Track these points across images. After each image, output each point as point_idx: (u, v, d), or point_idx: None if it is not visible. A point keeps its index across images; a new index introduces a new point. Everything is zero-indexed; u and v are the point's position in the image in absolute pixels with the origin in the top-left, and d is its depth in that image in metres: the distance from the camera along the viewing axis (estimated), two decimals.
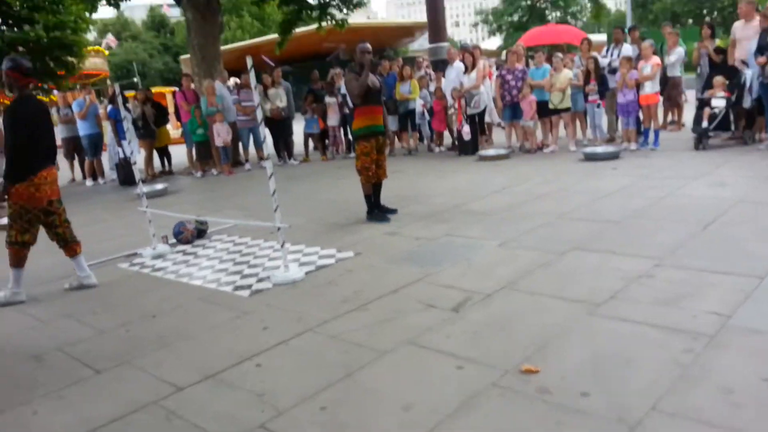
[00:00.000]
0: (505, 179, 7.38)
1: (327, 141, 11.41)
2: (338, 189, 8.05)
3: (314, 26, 14.30)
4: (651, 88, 8.34)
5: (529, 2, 42.92)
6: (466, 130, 9.59)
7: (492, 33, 44.92)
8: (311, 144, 11.53)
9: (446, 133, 10.84)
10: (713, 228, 4.55)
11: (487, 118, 10.28)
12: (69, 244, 4.69)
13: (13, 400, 2.95)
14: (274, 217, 4.44)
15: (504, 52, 12.40)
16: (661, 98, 9.15)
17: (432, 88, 10.48)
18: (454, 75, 10.00)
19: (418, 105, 10.40)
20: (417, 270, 4.27)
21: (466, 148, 9.67)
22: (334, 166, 10.34)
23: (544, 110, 9.13)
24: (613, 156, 8.03)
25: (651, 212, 5.20)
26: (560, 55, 9.22)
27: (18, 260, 4.47)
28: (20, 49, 19.26)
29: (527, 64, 10.24)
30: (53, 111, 11.69)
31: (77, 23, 20.55)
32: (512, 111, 9.49)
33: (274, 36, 22.22)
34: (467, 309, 3.48)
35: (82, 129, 11.09)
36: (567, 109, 9.02)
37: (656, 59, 8.37)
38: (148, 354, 3.33)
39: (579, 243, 4.49)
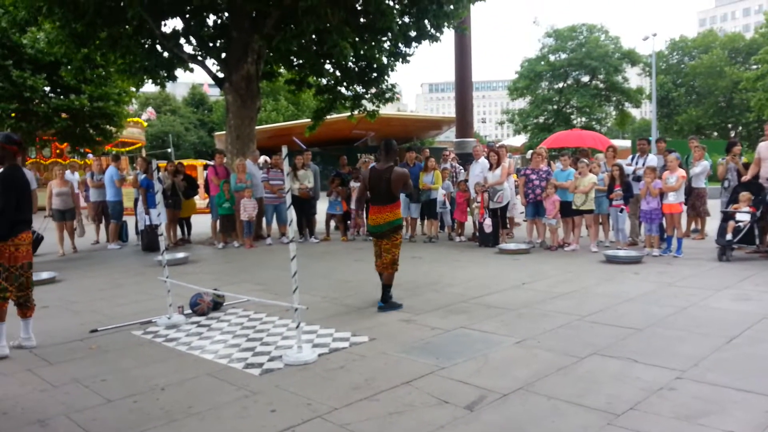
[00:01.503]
0: (524, 274, 7.34)
1: (349, 222, 11.58)
2: (355, 270, 8.07)
3: (346, 114, 14.88)
4: (675, 197, 8.41)
5: (555, 107, 44.23)
6: (488, 222, 9.67)
7: (517, 132, 46.08)
8: (332, 224, 11.71)
9: (468, 224, 10.95)
10: (738, 342, 4.43)
11: (509, 213, 10.39)
12: (26, 306, 4.88)
13: None
14: (292, 298, 4.44)
15: (529, 153, 12.68)
16: (684, 207, 9.20)
17: (458, 179, 10.72)
18: (479, 170, 10.24)
19: (440, 194, 10.61)
20: (431, 362, 4.18)
21: (487, 240, 9.72)
22: (353, 247, 10.42)
23: (567, 210, 9.23)
24: (635, 260, 7.98)
25: (674, 321, 5.09)
26: (585, 160, 9.41)
27: (0, 315, 4.64)
28: (63, 115, 20.31)
29: (549, 165, 10.47)
30: (87, 176, 12.09)
31: (121, 96, 21.73)
32: (535, 208, 9.62)
33: (306, 120, 23.12)
34: (482, 408, 3.37)
35: (110, 195, 11.38)
36: (590, 211, 9.09)
37: (682, 172, 8.50)
38: (153, 429, 3.25)
39: (599, 348, 4.38)
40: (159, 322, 5.49)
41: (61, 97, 20.27)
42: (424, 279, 7.26)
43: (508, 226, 10.53)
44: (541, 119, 44.36)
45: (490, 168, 9.91)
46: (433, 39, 12.19)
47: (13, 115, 19.33)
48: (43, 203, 10.82)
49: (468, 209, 10.68)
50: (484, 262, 8.49)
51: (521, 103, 48.34)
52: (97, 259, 9.96)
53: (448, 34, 13.13)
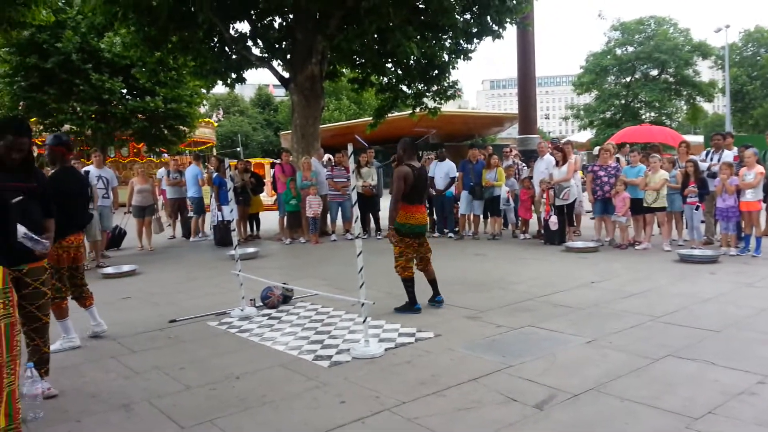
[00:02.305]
0: (592, 273, 7.17)
1: None
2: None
3: (407, 112, 14.92)
4: (753, 195, 8.00)
5: (622, 101, 42.76)
6: (554, 220, 9.49)
7: (583, 127, 44.80)
8: None
9: (533, 221, 10.79)
10: None
11: (576, 210, 10.17)
12: (83, 298, 5.03)
13: None
14: (359, 293, 4.53)
15: (596, 149, 12.35)
16: (764, 206, 8.73)
17: (521, 176, 10.58)
18: (544, 167, 10.07)
19: (503, 192, 10.50)
20: (498, 359, 4.17)
21: (553, 238, 9.54)
22: None
23: (638, 207, 8.94)
24: (711, 260, 7.65)
25: (753, 323, 4.86)
26: (657, 156, 9.07)
27: (61, 312, 4.75)
28: (139, 116, 21.34)
29: (618, 161, 10.18)
30: (164, 173, 12.67)
31: (193, 97, 22.60)
32: (603, 205, 9.37)
33: (368, 119, 23.33)
34: (552, 408, 3.34)
35: (191, 192, 11.94)
36: (662, 209, 8.77)
37: (760, 168, 8.07)
38: (229, 416, 3.41)
39: (674, 349, 4.24)
40: (232, 314, 5.71)
41: (137, 99, 21.29)
42: (489, 276, 7.22)
43: (575, 223, 10.30)
44: (608, 114, 42.96)
45: (556, 164, 9.72)
46: (496, 35, 12.05)
47: (93, 116, 20.45)
48: (124, 200, 11.43)
49: (532, 206, 10.51)
50: (549, 259, 8.35)
51: (587, 99, 46.95)
52: (174, 254, 10.43)
53: (511, 30, 12.94)
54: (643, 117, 40.96)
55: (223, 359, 4.46)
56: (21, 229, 3.23)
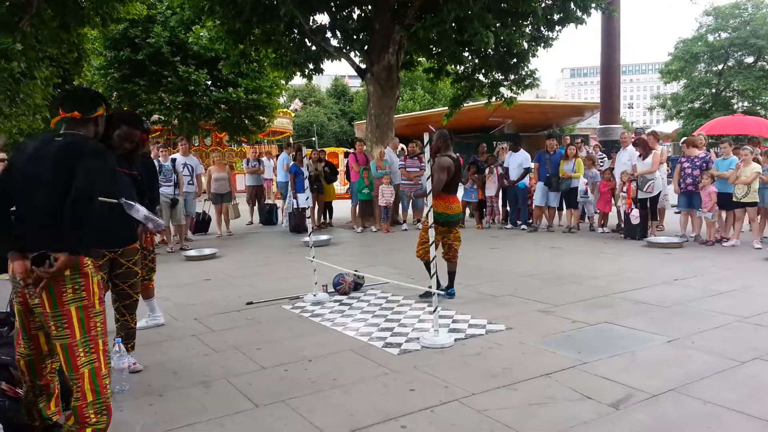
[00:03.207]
0: (676, 270, 6.82)
1: (484, 210, 11.50)
2: (490, 258, 8.00)
3: (483, 102, 14.68)
4: None
5: (713, 90, 40.25)
6: (635, 213, 9.09)
7: (669, 117, 42.51)
8: (467, 211, 11.69)
9: (612, 215, 10.40)
10: None
11: (659, 204, 9.69)
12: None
13: (182, 420, 3.25)
14: (430, 282, 4.52)
15: (683, 140, 11.70)
16: None
17: (602, 167, 10.20)
18: (627, 158, 9.66)
19: (581, 183, 10.15)
20: (572, 355, 4.06)
21: (634, 232, 9.15)
22: (488, 234, 10.32)
23: (727, 202, 8.40)
24: None
25: None
26: (749, 147, 8.49)
27: (148, 292, 4.96)
28: (222, 107, 22.17)
29: (708, 152, 9.59)
30: (244, 163, 13.11)
31: (272, 88, 23.24)
32: (688, 199, 8.88)
33: (442, 108, 23.17)
34: (629, 407, 3.22)
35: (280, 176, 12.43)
36: (753, 204, 8.21)
37: None
38: (301, 396, 3.50)
39: (764, 352, 3.98)
40: (305, 299, 5.86)
41: (221, 90, 22.12)
42: (564, 270, 7.02)
43: (658, 217, 9.82)
44: (697, 104, 40.47)
45: (640, 156, 9.29)
46: (579, 22, 11.62)
47: (179, 106, 21.43)
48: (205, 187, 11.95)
49: (612, 199, 10.12)
50: (630, 254, 8.01)
51: (674, 87, 44.44)
52: (251, 239, 10.80)
53: (594, 15, 12.43)
54: (736, 107, 38.35)
55: (296, 342, 4.59)
56: (142, 210, 3.45)
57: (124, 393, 3.60)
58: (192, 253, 8.78)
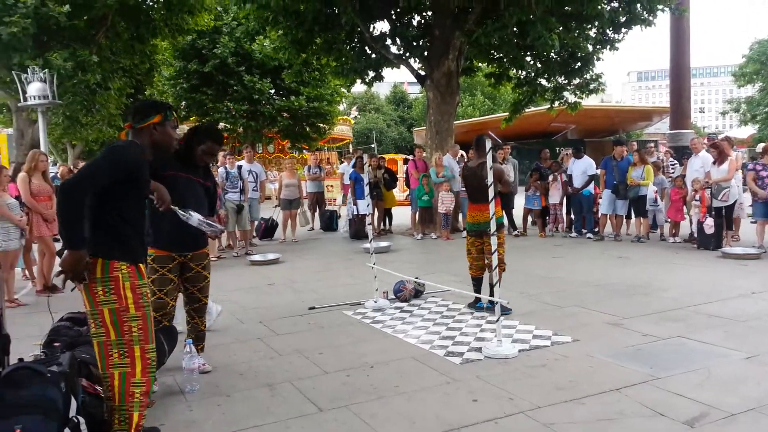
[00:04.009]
0: (754, 282, 6.45)
1: (547, 218, 11.25)
2: (554, 267, 7.81)
3: (545, 107, 14.41)
4: None
5: None
6: (709, 222, 8.67)
7: (744, 122, 40.42)
8: (529, 219, 11.48)
9: (684, 224, 9.96)
10: None
11: (735, 213, 9.21)
12: None
13: (248, 422, 3.32)
14: (493, 291, 4.46)
15: (760, 146, 11.09)
16: None
17: (673, 174, 9.79)
18: (699, 165, 9.23)
19: (651, 191, 9.76)
20: (644, 370, 3.90)
21: (707, 242, 8.72)
22: (551, 243, 10.08)
23: None
24: None
25: None
26: None
27: None
28: (285, 115, 22.72)
29: None
30: (305, 170, 13.32)
31: (333, 96, 23.64)
32: (765, 208, 8.39)
33: (502, 114, 22.88)
34: (704, 426, 3.07)
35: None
36: None
37: None
38: (364, 402, 3.52)
39: None
40: (366, 305, 5.89)
41: (283, 98, 22.68)
42: (633, 281, 6.77)
43: (733, 227, 9.33)
44: None
45: (714, 162, 8.87)
46: (646, 23, 11.24)
47: (244, 114, 22.10)
48: (269, 193, 12.24)
49: (684, 207, 9.69)
50: (703, 266, 7.65)
51: (748, 90, 42.22)
52: (313, 245, 10.97)
53: (662, 17, 12.00)
54: None
55: (357, 347, 4.61)
56: (195, 216, 3.57)
57: (194, 393, 3.72)
58: (256, 257, 9.00)
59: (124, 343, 2.72)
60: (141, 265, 2.84)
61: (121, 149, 2.82)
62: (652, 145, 11.70)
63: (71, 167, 11.59)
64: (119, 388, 2.73)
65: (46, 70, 11.73)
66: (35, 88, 11.40)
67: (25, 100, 11.75)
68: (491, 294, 4.80)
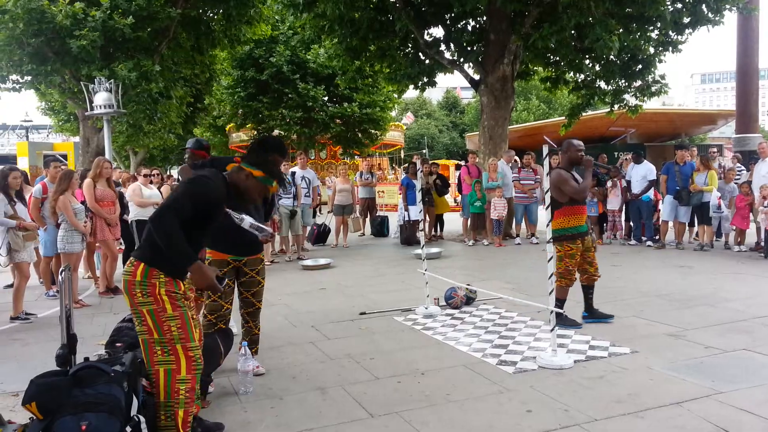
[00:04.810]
0: None
1: (605, 225, 10.94)
2: (612, 276, 7.57)
3: (603, 111, 14.03)
4: None
5: None
6: None
7: None
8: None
9: (751, 232, 9.49)
10: None
11: None
12: None
13: (301, 425, 3.36)
14: (548, 300, 4.37)
15: None
16: None
17: (740, 180, 9.36)
18: (766, 171, 8.80)
19: (714, 197, 9.35)
20: (706, 384, 3.73)
21: None
22: (609, 251, 9.77)
23: None
24: None
25: None
26: None
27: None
28: (337, 121, 22.98)
29: None
30: (357, 176, 13.43)
31: (386, 102, 23.76)
32: None
33: (558, 119, 22.43)
34: None
35: None
36: None
37: None
38: (415, 409, 3.50)
39: None
40: (417, 311, 5.87)
41: (336, 105, 22.96)
42: (696, 291, 6.50)
43: None
44: None
45: None
46: (714, 23, 10.79)
47: (298, 121, 22.48)
48: (325, 199, 12.38)
49: (750, 215, 9.24)
50: None
51: None
52: (364, 250, 11.03)
53: (729, 17, 11.49)
54: None
55: (408, 354, 4.60)
56: (248, 219, 3.66)
57: (249, 395, 3.80)
58: (308, 262, 9.12)
59: (165, 341, 2.84)
60: (179, 280, 2.92)
61: (204, 182, 2.94)
62: (715, 150, 11.19)
63: (134, 174, 12.08)
64: (165, 384, 2.83)
65: (112, 80, 12.28)
66: (101, 98, 11.97)
67: (92, 109, 12.34)
68: (556, 304, 4.72)
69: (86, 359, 2.98)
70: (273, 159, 3.55)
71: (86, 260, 7.89)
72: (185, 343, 2.87)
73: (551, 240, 5.04)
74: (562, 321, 5.11)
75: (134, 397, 2.86)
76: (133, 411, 2.81)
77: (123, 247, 8.42)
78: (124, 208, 8.00)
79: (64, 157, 18.11)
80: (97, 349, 3.96)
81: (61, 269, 4.11)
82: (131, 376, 2.90)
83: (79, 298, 6.78)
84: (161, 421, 2.86)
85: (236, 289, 4.18)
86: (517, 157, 12.40)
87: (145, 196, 7.93)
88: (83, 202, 7.13)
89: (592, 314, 5.42)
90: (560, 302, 5.22)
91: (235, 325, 4.56)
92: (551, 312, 4.34)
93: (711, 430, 3.10)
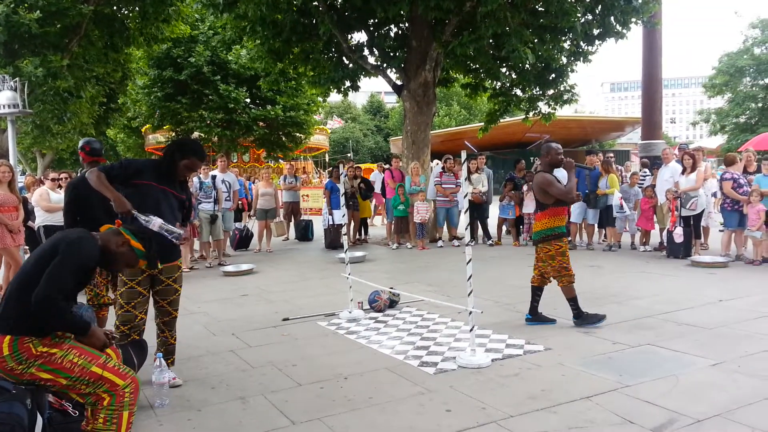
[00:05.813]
0: (721, 290, 6.59)
1: (522, 227, 11.36)
2: (528, 276, 7.81)
3: (520, 117, 14.58)
4: None
5: (759, 105, 39.01)
6: (678, 232, 8.85)
7: (713, 133, 41.36)
8: (504, 228, 11.59)
9: (654, 233, 10.14)
10: None
11: (703, 222, 9.43)
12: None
13: None
14: (467, 301, 4.49)
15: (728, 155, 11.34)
16: None
17: (645, 184, 9.99)
18: (669, 175, 9.43)
19: (615, 199, 9.94)
20: (613, 378, 3.95)
21: (677, 251, 8.90)
22: (524, 252, 10.14)
23: None
24: None
25: None
26: None
27: (101, 321, 4.94)
28: (261, 124, 22.59)
29: (759, 170, 9.27)
30: (281, 180, 13.27)
31: (310, 105, 23.59)
32: (737, 217, 8.58)
33: (478, 124, 23.09)
34: None
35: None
36: None
37: None
38: (338, 414, 3.50)
39: None
40: (341, 315, 5.87)
41: (259, 107, 22.58)
42: (605, 290, 6.87)
43: (702, 236, 9.54)
44: (742, 119, 39.28)
45: (683, 172, 9.06)
46: (619, 36, 11.47)
47: (219, 123, 21.93)
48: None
49: (654, 216, 9.88)
50: (673, 274, 7.79)
51: (718, 102, 43.23)
52: (287, 255, 10.90)
53: (635, 29, 12.25)
54: None
55: (331, 359, 4.59)
56: (156, 221, 3.53)
57: (164, 407, 3.66)
58: (229, 268, 8.91)
59: (79, 376, 2.69)
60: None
61: (77, 251, 2.75)
62: (612, 155, 11.93)
63: (41, 178, 11.39)
64: (110, 400, 2.72)
65: (17, 78, 11.52)
66: (5, 97, 11.19)
67: None
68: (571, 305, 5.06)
69: None
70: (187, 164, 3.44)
71: None
72: (96, 361, 2.73)
73: (536, 242, 5.25)
74: (585, 320, 5.30)
75: (38, 415, 2.69)
76: (38, 429, 2.65)
77: (29, 254, 7.90)
78: (29, 214, 7.53)
79: None
80: None
81: None
82: (35, 393, 2.73)
83: None
84: (99, 424, 2.70)
85: (151, 297, 4.02)
86: (438, 161, 12.67)
87: (53, 200, 7.49)
88: None
89: (537, 317, 5.52)
90: (573, 301, 5.35)
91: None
92: (470, 313, 4.45)
93: (617, 422, 3.28)
